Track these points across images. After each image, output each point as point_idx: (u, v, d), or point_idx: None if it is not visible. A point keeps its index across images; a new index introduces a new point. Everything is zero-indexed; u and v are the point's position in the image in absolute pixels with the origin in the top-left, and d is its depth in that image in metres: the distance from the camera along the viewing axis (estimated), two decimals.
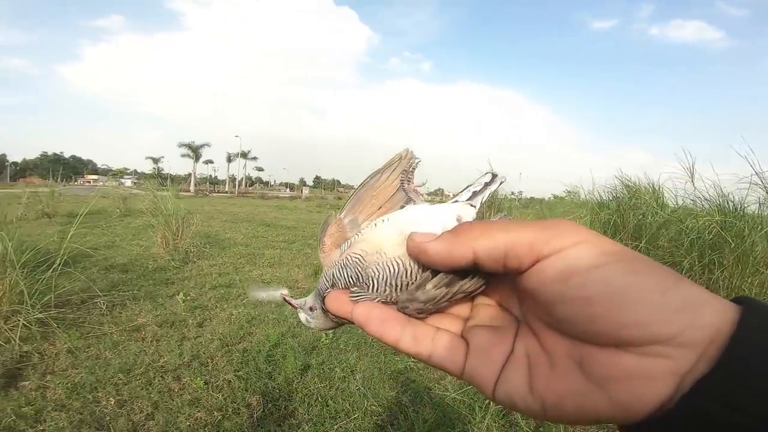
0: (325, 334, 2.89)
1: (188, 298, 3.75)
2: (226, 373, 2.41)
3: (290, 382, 2.37)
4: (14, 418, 1.85)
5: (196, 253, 5.65)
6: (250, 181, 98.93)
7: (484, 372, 0.27)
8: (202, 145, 49.09)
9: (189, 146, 48.50)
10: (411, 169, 0.41)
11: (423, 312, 0.31)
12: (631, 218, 3.56)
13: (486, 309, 0.32)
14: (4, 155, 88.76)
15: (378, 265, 0.33)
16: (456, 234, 0.28)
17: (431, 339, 0.30)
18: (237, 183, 52.40)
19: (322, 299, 0.38)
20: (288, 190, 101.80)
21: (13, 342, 2.47)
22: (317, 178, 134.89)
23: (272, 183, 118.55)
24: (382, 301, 0.33)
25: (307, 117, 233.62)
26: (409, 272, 0.31)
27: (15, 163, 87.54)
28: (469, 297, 0.32)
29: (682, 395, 0.20)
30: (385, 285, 0.32)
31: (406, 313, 0.31)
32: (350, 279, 0.35)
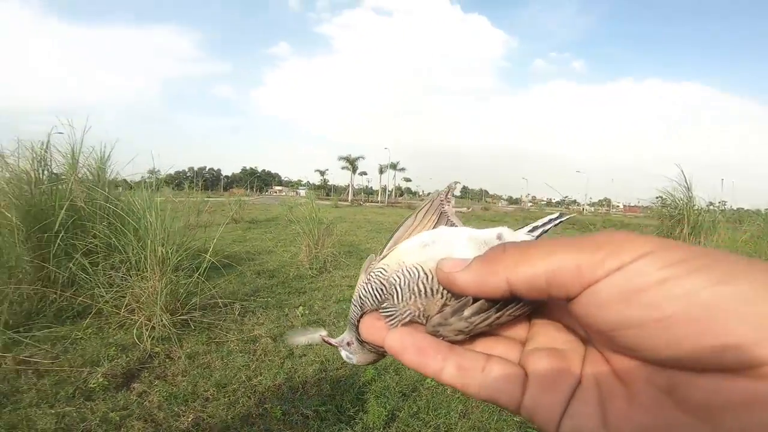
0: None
1: (309, 311, 3.65)
2: (307, 407, 2.07)
3: None
4: (98, 422, 1.84)
5: (332, 263, 5.74)
6: (399, 192, 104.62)
7: (546, 406, 0.24)
8: (358, 158, 54.09)
9: (347, 159, 54.05)
10: (450, 192, 0.41)
11: (462, 333, 0.29)
12: None
13: (546, 329, 0.28)
14: (219, 170, 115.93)
15: (399, 272, 0.32)
16: (487, 262, 0.25)
17: (480, 369, 0.26)
18: (387, 193, 55.77)
19: (357, 330, 0.37)
20: None
21: (145, 341, 2.64)
22: (464, 188, 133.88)
23: (420, 193, 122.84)
24: (414, 317, 0.31)
25: (452, 126, 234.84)
26: (430, 278, 0.30)
27: (227, 176, 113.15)
28: (523, 316, 0.29)
29: None
30: (409, 292, 0.31)
31: (437, 337, 0.29)
32: (375, 294, 0.34)
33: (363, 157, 55.59)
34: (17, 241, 3.15)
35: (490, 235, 0.32)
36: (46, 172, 3.55)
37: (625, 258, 0.20)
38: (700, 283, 0.18)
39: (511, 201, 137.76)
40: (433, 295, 0.30)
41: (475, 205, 45.09)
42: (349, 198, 52.06)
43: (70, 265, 3.09)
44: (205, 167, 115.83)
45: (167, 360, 2.54)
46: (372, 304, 0.34)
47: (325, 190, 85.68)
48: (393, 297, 0.32)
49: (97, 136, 5.44)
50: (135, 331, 2.68)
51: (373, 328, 0.34)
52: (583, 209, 69.65)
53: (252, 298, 3.90)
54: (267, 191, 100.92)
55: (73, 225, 3.32)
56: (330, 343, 0.42)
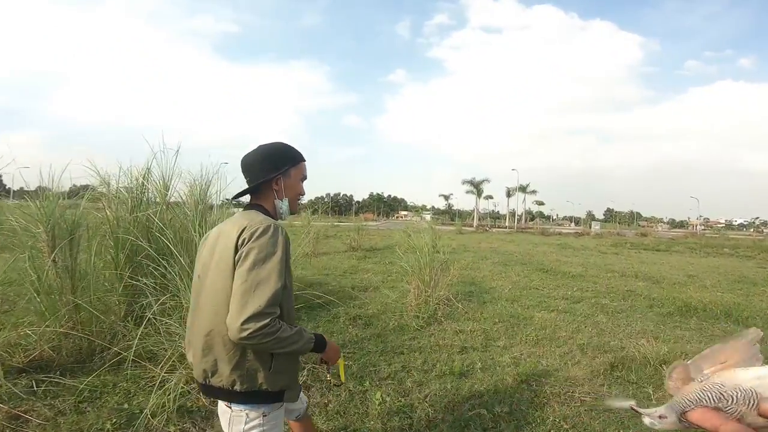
0: None
1: (396, 389, 2.61)
2: None
3: None
4: None
5: (445, 310, 4.62)
6: (531, 216, 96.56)
7: None
8: (482, 181, 51.72)
9: (471, 182, 52.20)
10: (755, 339, 0.67)
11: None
12: None
13: None
14: (351, 196, 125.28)
15: (736, 389, 0.59)
16: None
17: None
18: (516, 218, 51.68)
19: (681, 412, 0.63)
20: (573, 224, 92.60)
21: (169, 408, 1.96)
22: (609, 210, 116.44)
23: (554, 217, 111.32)
24: (737, 417, 0.58)
25: (591, 144, 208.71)
26: (756, 401, 0.58)
27: (357, 202, 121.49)
28: None
29: None
30: (741, 403, 0.58)
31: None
32: (713, 398, 0.60)
33: (488, 180, 52.97)
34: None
35: None
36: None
37: None
38: None
39: (674, 224, 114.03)
40: (755, 409, 0.57)
41: (627, 231, 37.99)
42: (474, 223, 49.83)
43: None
44: (339, 193, 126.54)
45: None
46: (707, 403, 0.61)
47: (449, 215, 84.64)
48: (728, 402, 0.59)
49: None
50: (154, 396, 2.07)
51: (708, 417, 0.59)
52: None
53: None
54: (393, 216, 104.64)
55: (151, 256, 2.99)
56: (638, 412, 0.67)
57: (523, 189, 55.06)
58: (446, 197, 78.81)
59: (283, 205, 1.20)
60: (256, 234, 1.02)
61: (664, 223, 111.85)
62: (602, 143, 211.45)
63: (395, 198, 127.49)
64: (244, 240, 1.02)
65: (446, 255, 5.83)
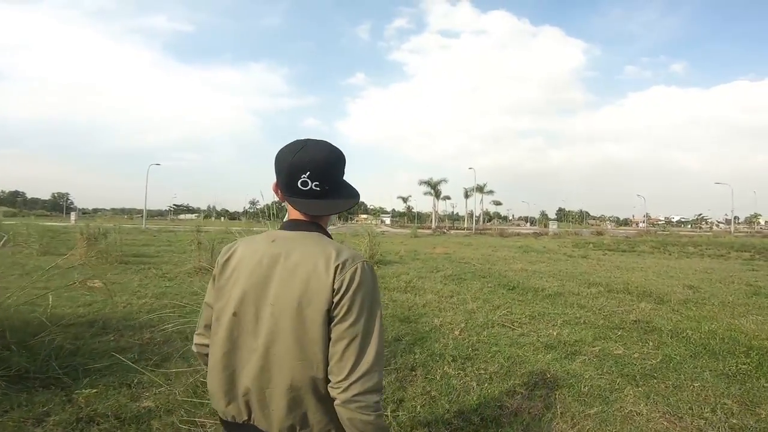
0: None
1: None
2: None
3: None
4: None
5: None
6: (488, 217, 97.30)
7: None
8: (440, 181, 50.24)
9: (428, 183, 50.54)
10: None
11: None
12: None
13: None
14: None
15: None
16: None
17: None
18: (474, 219, 50.67)
19: None
20: (528, 224, 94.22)
21: None
22: (560, 210, 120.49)
23: (511, 218, 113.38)
24: None
25: (540, 145, 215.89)
26: None
27: None
28: None
29: None
30: None
31: None
32: None
33: (446, 180, 51.59)
34: None
35: None
36: None
37: None
38: None
39: (619, 222, 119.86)
40: None
41: (582, 230, 37.76)
42: (433, 225, 48.14)
43: None
44: None
45: None
46: None
47: (408, 217, 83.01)
48: None
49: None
50: None
51: None
52: (732, 226, 55.54)
53: None
54: (353, 219, 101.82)
55: None
56: None
57: (480, 189, 54.17)
58: (405, 199, 77.01)
59: (330, 222, 1.01)
60: (358, 278, 0.85)
61: (610, 221, 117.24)
62: (551, 145, 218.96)
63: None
64: (342, 285, 0.84)
65: (379, 267, 3.23)
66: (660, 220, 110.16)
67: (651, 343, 3.74)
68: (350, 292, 0.84)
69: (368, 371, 0.83)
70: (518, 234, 31.44)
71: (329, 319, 0.85)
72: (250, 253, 0.93)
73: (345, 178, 0.97)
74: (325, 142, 0.94)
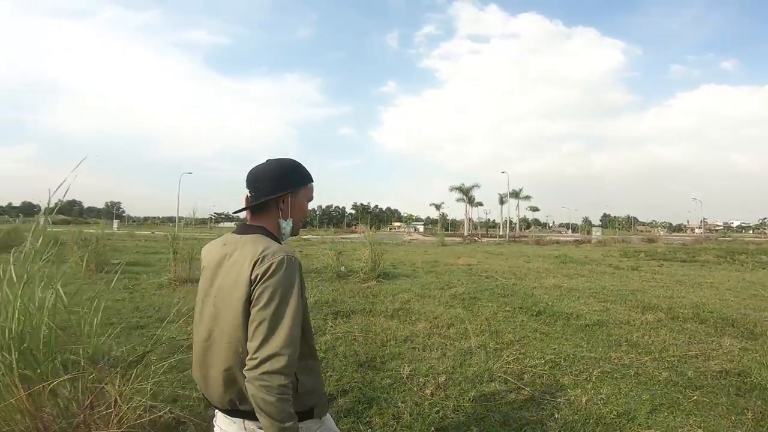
0: None
1: None
2: None
3: None
4: None
5: None
6: (526, 224, 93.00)
7: None
8: (472, 187, 47.75)
9: (460, 189, 48.28)
10: None
11: None
12: None
13: None
14: (344, 208, 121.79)
15: None
16: None
17: None
18: (508, 225, 47.80)
19: None
20: (570, 231, 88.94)
21: None
22: (605, 215, 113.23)
23: (551, 224, 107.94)
24: None
25: (580, 149, 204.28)
26: None
27: (350, 213, 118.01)
28: None
29: None
30: None
31: None
32: None
33: (478, 186, 49.10)
34: None
35: None
36: None
37: None
38: None
39: (672, 228, 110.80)
40: None
41: (631, 236, 34.40)
42: (465, 232, 45.99)
43: None
44: (332, 205, 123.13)
45: None
46: None
47: (442, 224, 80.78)
48: None
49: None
50: None
51: None
52: None
53: None
54: (386, 227, 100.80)
55: None
56: None
57: (515, 194, 51.25)
58: (437, 206, 74.82)
59: (287, 225, 1.12)
60: (272, 269, 0.96)
61: (661, 227, 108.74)
62: (592, 149, 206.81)
63: (388, 209, 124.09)
64: (257, 276, 0.96)
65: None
66: (718, 226, 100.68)
67: (751, 417, 2.27)
68: (263, 281, 0.94)
69: (276, 354, 0.90)
70: (557, 242, 28.95)
71: (249, 305, 0.96)
72: (208, 255, 1.10)
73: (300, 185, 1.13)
74: (274, 160, 1.13)
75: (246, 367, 0.91)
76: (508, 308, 5.10)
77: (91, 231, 8.99)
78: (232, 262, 1.00)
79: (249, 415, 0.98)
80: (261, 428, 0.94)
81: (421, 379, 2.75)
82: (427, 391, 2.54)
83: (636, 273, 9.39)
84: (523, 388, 2.67)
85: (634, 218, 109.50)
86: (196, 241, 7.68)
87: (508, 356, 3.22)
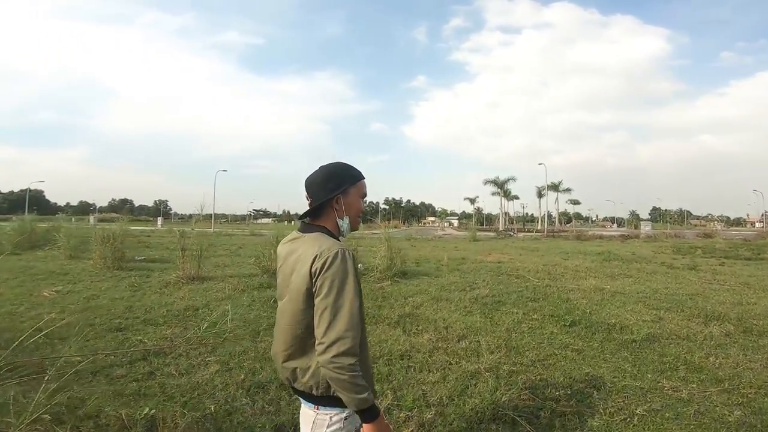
0: None
1: None
2: None
3: None
4: None
5: None
6: (567, 218, 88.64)
7: None
8: (507, 180, 45.77)
9: (494, 182, 46.35)
10: None
11: None
12: None
13: None
14: (378, 203, 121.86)
15: None
16: None
17: None
18: (547, 219, 45.43)
19: None
20: (615, 225, 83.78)
21: None
22: (655, 209, 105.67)
23: (594, 218, 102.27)
24: None
25: (624, 140, 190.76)
26: None
27: (385, 208, 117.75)
28: None
29: None
30: None
31: None
32: None
33: (513, 179, 47.00)
34: None
35: None
36: None
37: None
38: None
39: (730, 222, 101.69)
40: None
41: (684, 231, 31.53)
42: (500, 227, 44.26)
43: None
44: (366, 201, 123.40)
45: None
46: None
47: (477, 219, 78.67)
48: None
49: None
50: None
51: None
52: None
53: None
54: (419, 222, 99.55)
55: None
56: None
57: (555, 187, 48.63)
58: (472, 200, 72.72)
59: (344, 223, 1.23)
60: (328, 263, 1.06)
61: (717, 220, 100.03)
62: (637, 139, 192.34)
63: (423, 203, 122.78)
64: (316, 270, 1.06)
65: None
66: None
67: None
68: (322, 273, 1.05)
69: (341, 337, 1.01)
70: (600, 237, 27.01)
71: (311, 295, 1.08)
72: (282, 252, 1.23)
73: (349, 187, 1.22)
74: (324, 166, 1.23)
75: (317, 353, 1.03)
76: (535, 316, 4.37)
77: (113, 227, 9.02)
78: (296, 258, 1.14)
79: (304, 395, 1.13)
80: (308, 410, 1.12)
81: (401, 414, 2.15)
82: None
83: (693, 273, 8.21)
84: None
85: (687, 212, 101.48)
86: (204, 238, 7.43)
87: (523, 384, 2.55)
